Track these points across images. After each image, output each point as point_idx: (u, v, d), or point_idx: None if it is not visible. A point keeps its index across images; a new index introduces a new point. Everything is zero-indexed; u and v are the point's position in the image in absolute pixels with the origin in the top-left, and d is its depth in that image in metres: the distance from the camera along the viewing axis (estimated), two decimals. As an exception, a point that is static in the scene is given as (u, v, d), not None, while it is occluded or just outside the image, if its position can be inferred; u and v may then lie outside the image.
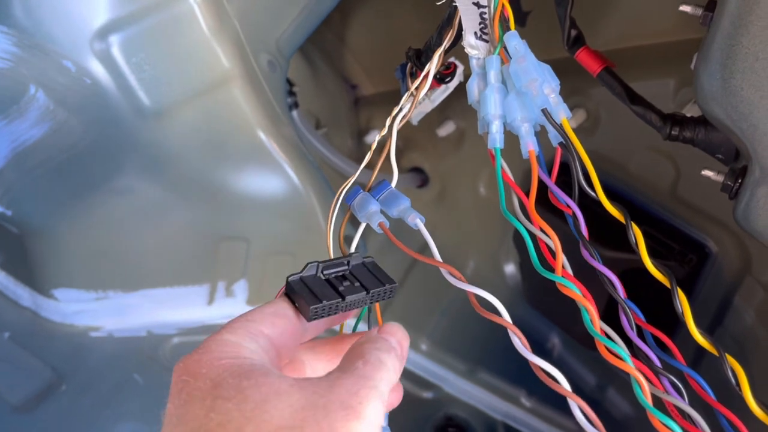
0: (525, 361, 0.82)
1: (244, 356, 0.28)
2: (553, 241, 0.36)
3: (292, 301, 0.33)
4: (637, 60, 0.60)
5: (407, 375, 0.78)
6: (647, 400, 0.32)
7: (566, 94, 0.68)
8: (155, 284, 0.76)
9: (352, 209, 0.40)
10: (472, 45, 0.40)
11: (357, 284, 0.34)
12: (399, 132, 0.98)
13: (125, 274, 0.75)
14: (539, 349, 0.77)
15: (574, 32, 0.42)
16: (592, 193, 0.36)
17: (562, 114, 0.37)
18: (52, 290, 0.75)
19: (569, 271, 0.38)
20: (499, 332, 0.87)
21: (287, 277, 0.34)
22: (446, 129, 0.80)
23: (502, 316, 0.35)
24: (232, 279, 0.78)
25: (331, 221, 0.39)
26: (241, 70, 0.64)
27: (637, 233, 0.35)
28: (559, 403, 0.75)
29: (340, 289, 0.34)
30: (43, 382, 0.72)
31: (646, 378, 0.35)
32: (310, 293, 0.33)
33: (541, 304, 0.76)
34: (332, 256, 0.38)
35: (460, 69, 0.48)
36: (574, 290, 0.35)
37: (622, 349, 0.33)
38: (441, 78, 0.47)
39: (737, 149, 0.37)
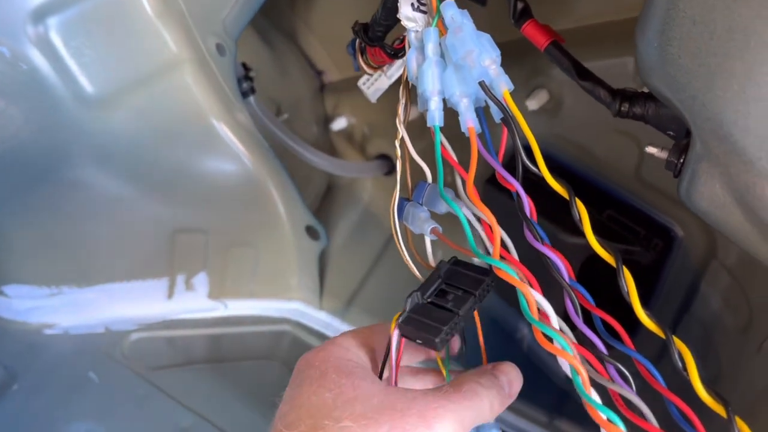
0: (494, 352, 0.80)
1: (348, 359, 0.33)
2: (490, 222, 0.34)
3: (413, 340, 0.33)
4: (598, 39, 0.58)
5: (374, 368, 0.76)
6: (585, 390, 0.30)
7: (528, 74, 0.66)
8: (112, 279, 0.74)
9: (407, 224, 0.38)
10: (409, 17, 0.38)
11: (460, 292, 0.34)
12: (363, 119, 0.96)
13: (80, 269, 0.72)
14: (509, 339, 0.75)
15: (520, 5, 0.40)
16: (535, 169, 0.34)
17: (504, 86, 0.34)
18: (1, 287, 0.72)
19: (514, 255, 0.36)
20: (466, 323, 0.85)
21: (398, 322, 0.33)
22: (412, 113, 0.77)
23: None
24: (191, 272, 0.75)
25: (400, 244, 0.38)
26: (190, 54, 0.62)
27: (580, 208, 0.33)
28: (528, 393, 0.73)
29: (449, 305, 0.33)
30: (-6, 382, 0.69)
31: (591, 366, 0.33)
32: (427, 326, 0.32)
33: (509, 293, 0.74)
34: (419, 276, 0.37)
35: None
36: (510, 274, 0.33)
37: (558, 335, 0.31)
38: (394, 53, 0.45)
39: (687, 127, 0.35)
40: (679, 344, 0.31)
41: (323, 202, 0.87)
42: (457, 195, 0.37)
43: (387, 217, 0.37)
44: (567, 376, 0.74)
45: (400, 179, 0.39)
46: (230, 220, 0.73)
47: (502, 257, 0.34)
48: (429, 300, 0.34)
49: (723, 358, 0.54)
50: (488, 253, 0.35)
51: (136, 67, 0.61)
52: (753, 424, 0.29)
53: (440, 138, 0.36)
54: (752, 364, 0.51)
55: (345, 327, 0.79)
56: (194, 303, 0.77)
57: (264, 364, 0.76)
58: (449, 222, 0.38)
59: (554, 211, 0.41)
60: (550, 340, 0.31)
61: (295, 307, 0.80)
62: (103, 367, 0.71)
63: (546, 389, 0.72)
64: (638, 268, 0.60)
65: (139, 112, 0.63)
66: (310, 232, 0.75)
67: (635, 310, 0.32)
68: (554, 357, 0.78)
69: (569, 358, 0.31)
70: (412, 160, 0.39)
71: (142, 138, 0.65)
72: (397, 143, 0.39)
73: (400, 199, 0.38)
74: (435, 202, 0.38)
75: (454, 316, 0.32)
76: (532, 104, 0.62)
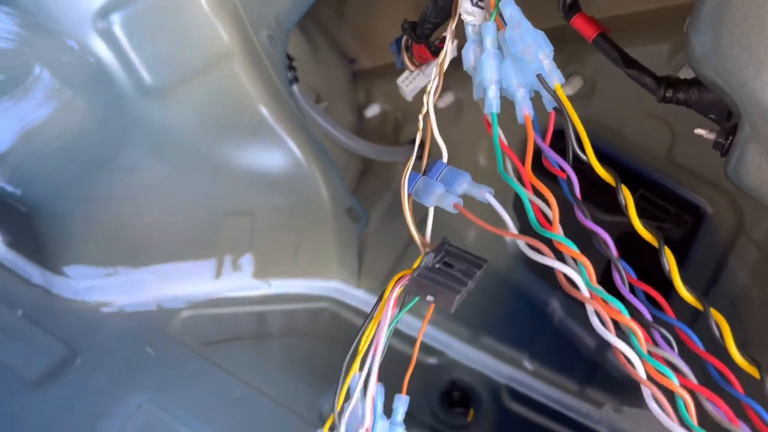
0: (526, 326, 0.84)
1: None
2: (549, 200, 0.37)
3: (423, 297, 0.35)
4: (632, 26, 0.61)
5: (413, 342, 0.80)
6: (642, 349, 0.34)
7: (563, 62, 0.69)
8: (164, 259, 0.78)
9: (414, 197, 0.40)
10: (468, 11, 0.41)
11: (465, 267, 0.37)
12: (396, 105, 0.99)
13: (134, 250, 0.76)
14: (540, 314, 0.79)
15: (569, -1, 0.43)
16: (584, 157, 0.37)
17: (556, 80, 0.38)
18: (62, 267, 0.76)
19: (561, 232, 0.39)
20: (501, 299, 0.89)
21: (412, 276, 0.35)
22: (445, 100, 0.81)
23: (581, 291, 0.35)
24: (238, 253, 0.79)
25: (407, 214, 0.39)
26: (242, 46, 0.65)
27: (626, 194, 0.36)
28: (560, 364, 0.77)
29: (458, 273, 0.36)
30: (57, 358, 0.74)
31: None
32: (440, 284, 0.35)
33: (541, 269, 0.78)
34: (420, 245, 0.39)
35: (455, 43, 0.49)
36: (572, 247, 0.36)
37: (619, 302, 0.35)
38: (436, 50, 0.48)
39: (729, 109, 0.38)
40: (716, 315, 0.34)
41: (358, 186, 0.91)
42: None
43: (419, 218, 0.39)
44: (597, 346, 0.77)
45: (416, 151, 0.40)
46: (275, 203, 0.77)
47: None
48: (438, 266, 0.36)
49: (750, 330, 0.58)
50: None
51: (191, 58, 0.65)
52: None
53: (497, 126, 0.40)
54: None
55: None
56: (240, 282, 0.81)
57: (305, 340, 0.80)
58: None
59: (589, 193, 0.44)
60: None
61: (334, 286, 0.84)
62: (158, 342, 0.76)
63: (576, 360, 0.75)
64: (669, 244, 0.63)
65: (193, 101, 0.67)
66: (352, 214, 0.79)
67: (676, 286, 0.36)
68: (584, 330, 0.81)
69: (627, 322, 0.34)
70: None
71: (195, 126, 0.69)
72: (420, 117, 0.40)
73: (413, 172, 0.40)
74: (452, 182, 0.40)
75: (472, 273, 0.34)
76: (567, 90, 0.65)
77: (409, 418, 0.71)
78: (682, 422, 0.33)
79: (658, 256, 0.40)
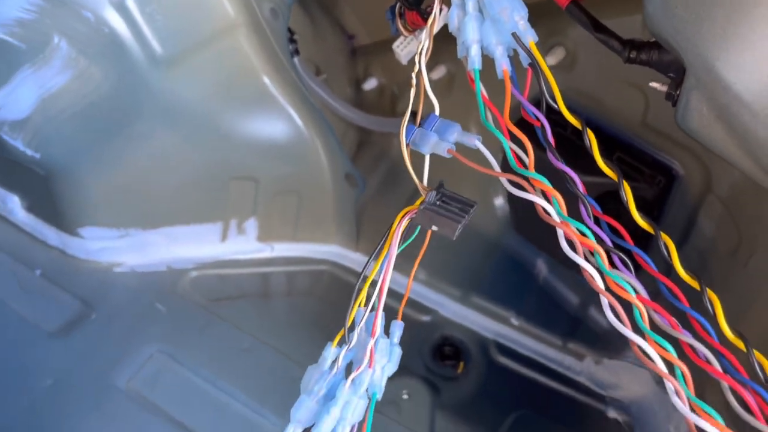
0: (513, 286, 0.89)
1: None
2: (526, 145, 0.42)
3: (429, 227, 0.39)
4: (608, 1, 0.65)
5: (408, 302, 0.85)
6: (604, 265, 0.38)
7: (547, 34, 0.74)
8: (173, 222, 0.83)
9: (412, 145, 0.43)
10: (452, -21, 0.45)
11: (460, 205, 0.40)
12: (393, 79, 1.04)
13: (145, 213, 0.81)
14: (526, 275, 0.84)
15: (544, -32, 0.47)
16: (555, 105, 0.42)
17: (530, 38, 0.42)
18: (77, 229, 0.81)
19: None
20: (490, 261, 0.94)
21: (420, 208, 0.40)
22: (437, 73, 0.85)
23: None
24: (243, 217, 0.84)
25: (407, 162, 0.42)
26: (246, 19, 0.69)
27: (590, 136, 0.40)
28: (544, 321, 0.82)
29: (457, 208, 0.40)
30: (74, 312, 0.79)
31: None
32: (445, 215, 0.39)
33: (527, 231, 0.83)
34: (422, 192, 0.43)
35: (445, 10, 0.53)
36: (545, 182, 0.41)
37: (585, 227, 0.39)
38: (427, 16, 0.52)
39: (684, 67, 0.43)
40: (664, 237, 0.39)
41: (355, 157, 0.95)
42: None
43: (414, 169, 0.43)
44: (580, 303, 0.82)
45: (412, 105, 0.43)
46: (278, 169, 0.81)
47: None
48: (438, 203, 0.41)
49: (715, 278, 0.63)
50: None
51: (199, 30, 0.69)
52: (740, 321, 0.37)
53: (479, 78, 0.44)
54: (740, 279, 0.59)
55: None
56: (245, 245, 0.86)
57: (307, 299, 0.86)
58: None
59: (569, 158, 0.48)
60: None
61: (333, 250, 0.89)
62: (168, 300, 0.81)
63: (560, 317, 0.80)
64: (644, 203, 0.68)
65: (200, 71, 0.72)
66: (350, 180, 0.83)
67: (631, 212, 0.40)
68: (567, 288, 0.86)
69: (593, 245, 0.39)
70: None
71: (202, 95, 0.74)
72: (413, 75, 0.44)
73: (409, 124, 0.44)
74: (445, 131, 0.44)
75: (467, 210, 0.39)
76: (551, 60, 0.69)
77: (405, 370, 0.76)
78: (636, 328, 0.38)
79: (630, 218, 0.44)
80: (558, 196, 0.41)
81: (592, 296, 0.80)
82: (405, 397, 0.73)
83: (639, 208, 0.39)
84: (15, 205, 0.85)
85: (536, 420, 0.74)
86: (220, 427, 0.70)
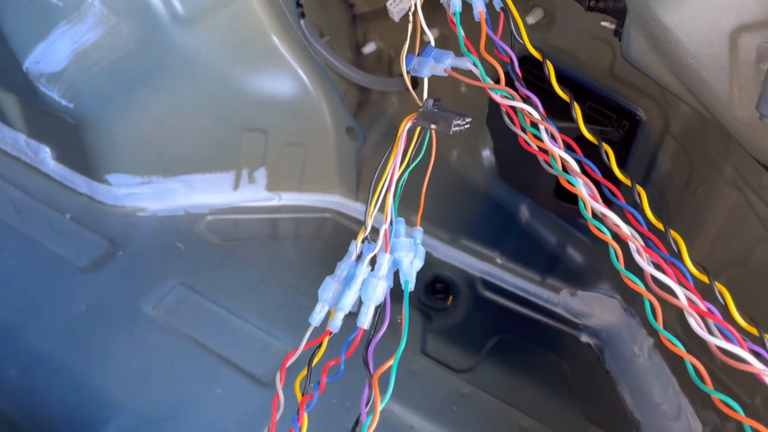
0: (499, 229, 0.99)
1: None
2: (497, 69, 0.50)
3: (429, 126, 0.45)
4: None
5: (402, 245, 0.94)
6: (557, 168, 0.46)
7: (526, -5, 0.81)
8: (191, 171, 0.91)
9: (412, 71, 0.50)
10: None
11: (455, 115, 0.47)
12: (390, 43, 1.12)
13: (165, 162, 0.90)
14: (510, 218, 0.93)
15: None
16: (521, 40, 0.50)
17: (503, -14, 0.51)
18: (105, 175, 0.90)
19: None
20: (477, 207, 1.04)
21: (419, 112, 0.46)
22: (431, 35, 0.93)
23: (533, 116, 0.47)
24: (253, 167, 0.93)
25: (410, 87, 0.49)
26: (258, -19, 0.78)
27: (549, 67, 0.49)
28: (525, 259, 0.91)
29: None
30: (102, 251, 0.88)
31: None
32: (441, 117, 0.45)
33: (511, 178, 0.91)
34: (416, 99, 0.49)
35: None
36: (523, 89, 0.48)
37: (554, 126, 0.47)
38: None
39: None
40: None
41: (355, 115, 1.04)
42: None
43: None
44: (557, 243, 0.91)
45: (410, 38, 0.51)
46: (285, 123, 0.90)
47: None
48: (436, 109, 0.48)
49: (671, 208, 0.72)
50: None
51: (216, -8, 0.78)
52: (690, 247, 0.43)
53: (459, 20, 0.53)
54: (691, 208, 0.68)
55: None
56: (255, 194, 0.95)
57: (313, 242, 0.94)
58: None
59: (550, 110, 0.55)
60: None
61: (336, 199, 0.97)
62: (187, 240, 0.89)
63: (540, 256, 0.89)
64: (611, 145, 0.76)
65: (216, 29, 0.80)
66: (351, 132, 0.92)
67: (613, 168, 0.47)
68: (547, 229, 0.95)
69: (551, 149, 0.47)
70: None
71: (218, 52, 0.82)
72: (410, 14, 0.52)
73: (409, 54, 0.51)
74: (441, 57, 0.51)
75: (462, 115, 0.46)
76: (530, 19, 0.78)
77: (399, 300, 0.84)
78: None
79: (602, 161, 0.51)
80: (536, 101, 0.48)
81: (569, 237, 0.89)
82: (399, 319, 0.82)
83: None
84: (46, 156, 0.94)
85: (516, 343, 0.83)
86: (234, 346, 0.78)
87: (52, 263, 0.86)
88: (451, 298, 0.88)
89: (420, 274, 0.92)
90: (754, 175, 0.56)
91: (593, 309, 0.84)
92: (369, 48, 1.02)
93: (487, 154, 0.94)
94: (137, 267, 0.86)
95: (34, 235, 0.89)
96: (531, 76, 0.55)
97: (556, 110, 0.51)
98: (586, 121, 0.50)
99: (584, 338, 0.84)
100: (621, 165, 0.77)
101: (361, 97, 1.05)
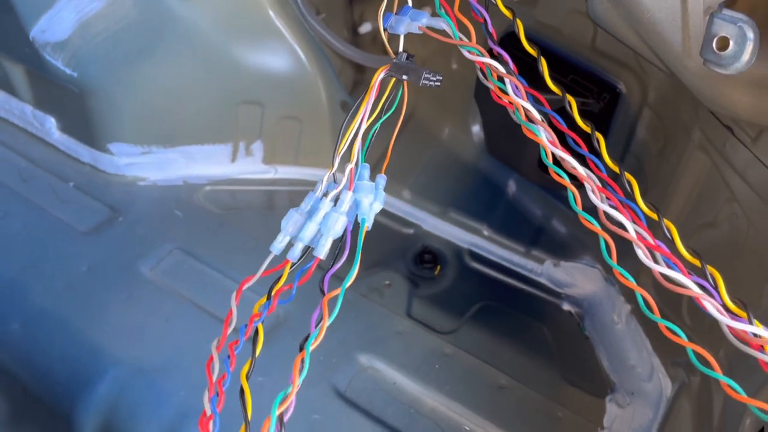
0: (486, 202, 1.02)
1: None
2: (470, 30, 0.53)
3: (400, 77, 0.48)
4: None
5: (394, 217, 0.97)
6: (520, 118, 0.49)
7: (513, -29, 0.83)
8: (189, 142, 0.95)
9: (389, 29, 0.53)
10: None
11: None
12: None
13: (165, 132, 0.93)
14: (497, 192, 0.96)
15: None
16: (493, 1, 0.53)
17: (479, -52, 0.53)
18: (107, 145, 0.93)
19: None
20: (466, 181, 1.07)
21: (391, 63, 0.49)
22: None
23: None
24: (250, 139, 0.96)
25: (386, 41, 0.52)
26: (254, -44, 0.81)
27: (519, 24, 0.51)
28: (511, 231, 0.93)
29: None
30: (104, 216, 0.91)
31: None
32: (413, 70, 0.49)
33: (499, 153, 0.94)
34: (392, 53, 0.52)
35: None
36: (480, 56, 0.51)
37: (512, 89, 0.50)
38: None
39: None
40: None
41: (351, 94, 1.07)
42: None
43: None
44: (543, 215, 0.94)
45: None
46: (281, 96, 0.93)
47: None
48: (408, 62, 0.51)
49: (648, 176, 0.74)
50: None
51: (214, -34, 0.81)
52: (664, 211, 0.45)
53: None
54: (665, 174, 0.70)
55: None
56: (252, 167, 0.98)
57: (306, 213, 0.97)
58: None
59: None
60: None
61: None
62: (185, 207, 0.93)
63: (525, 228, 0.92)
64: (592, 117, 0.79)
65: (214, 2, 0.83)
66: (345, 107, 0.95)
67: (575, 118, 0.50)
68: (532, 202, 0.98)
69: (515, 102, 0.49)
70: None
71: (216, 25, 0.85)
72: None
73: (387, 12, 0.53)
74: (417, 16, 0.53)
75: (434, 72, 0.50)
76: (516, -5, 0.80)
77: (388, 267, 0.87)
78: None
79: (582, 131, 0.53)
80: (507, 58, 0.51)
81: (554, 210, 0.92)
82: (387, 283, 0.85)
83: (587, 117, 0.49)
84: (52, 126, 0.98)
85: (500, 309, 0.85)
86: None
87: (56, 227, 0.89)
88: (438, 267, 0.91)
89: (410, 246, 0.96)
90: (719, 137, 0.59)
91: (575, 279, 0.87)
92: (365, 28, 1.05)
93: (477, 129, 0.97)
94: (136, 232, 0.90)
95: (40, 201, 0.93)
96: (517, 50, 0.57)
97: (543, 84, 0.54)
98: (569, 92, 0.52)
99: (566, 306, 0.86)
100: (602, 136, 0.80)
101: (356, 76, 1.08)
